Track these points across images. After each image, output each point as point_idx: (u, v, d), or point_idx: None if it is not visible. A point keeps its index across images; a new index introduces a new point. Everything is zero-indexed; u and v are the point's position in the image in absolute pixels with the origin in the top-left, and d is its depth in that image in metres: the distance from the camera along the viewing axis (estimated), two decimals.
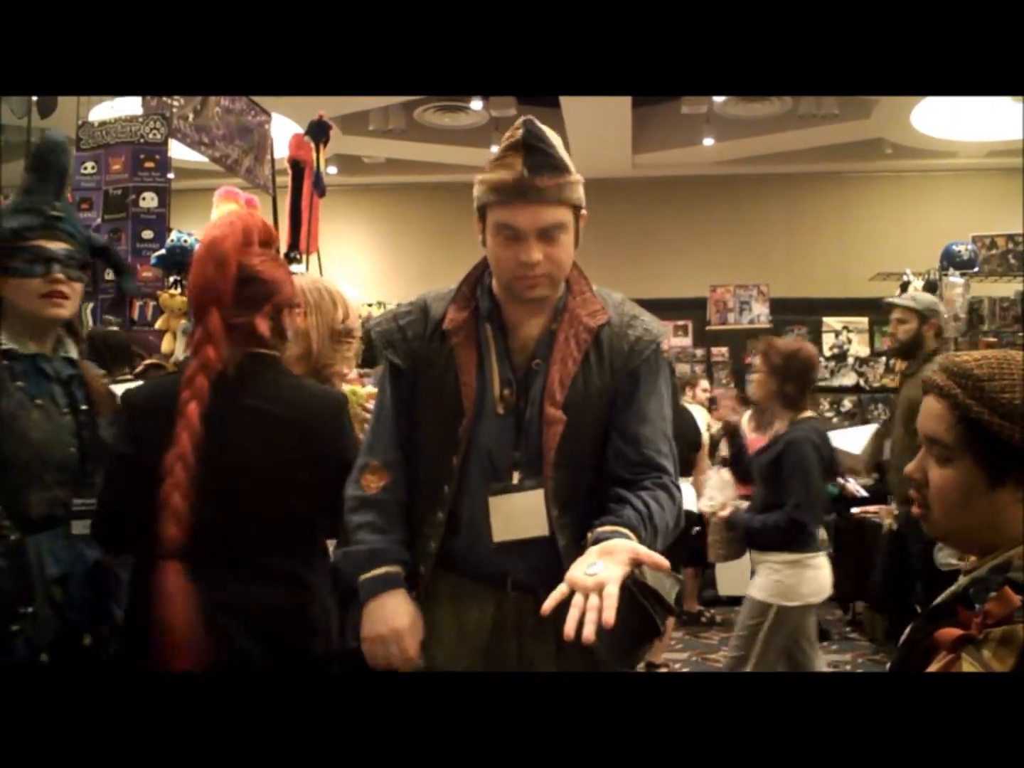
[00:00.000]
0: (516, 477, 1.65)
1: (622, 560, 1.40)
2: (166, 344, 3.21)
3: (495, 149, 1.65)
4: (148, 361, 2.92)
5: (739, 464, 3.71)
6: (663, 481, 1.64)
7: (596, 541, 1.47)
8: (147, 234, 4.11)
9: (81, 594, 1.86)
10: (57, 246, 1.90)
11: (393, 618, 1.60)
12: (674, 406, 1.86)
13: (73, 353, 2.00)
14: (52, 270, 1.88)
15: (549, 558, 1.64)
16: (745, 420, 5.98)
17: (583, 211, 1.65)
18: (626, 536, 1.49)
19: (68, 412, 1.90)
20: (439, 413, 1.68)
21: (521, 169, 1.56)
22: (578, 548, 1.61)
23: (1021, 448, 1.12)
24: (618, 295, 1.76)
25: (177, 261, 3.20)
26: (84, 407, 1.94)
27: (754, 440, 5.82)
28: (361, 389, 2.15)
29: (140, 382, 2.09)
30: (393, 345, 1.72)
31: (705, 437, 5.92)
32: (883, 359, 7.54)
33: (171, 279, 3.35)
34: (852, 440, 4.41)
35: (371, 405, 2.04)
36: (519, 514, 1.64)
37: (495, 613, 1.69)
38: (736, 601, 6.73)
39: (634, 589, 1.74)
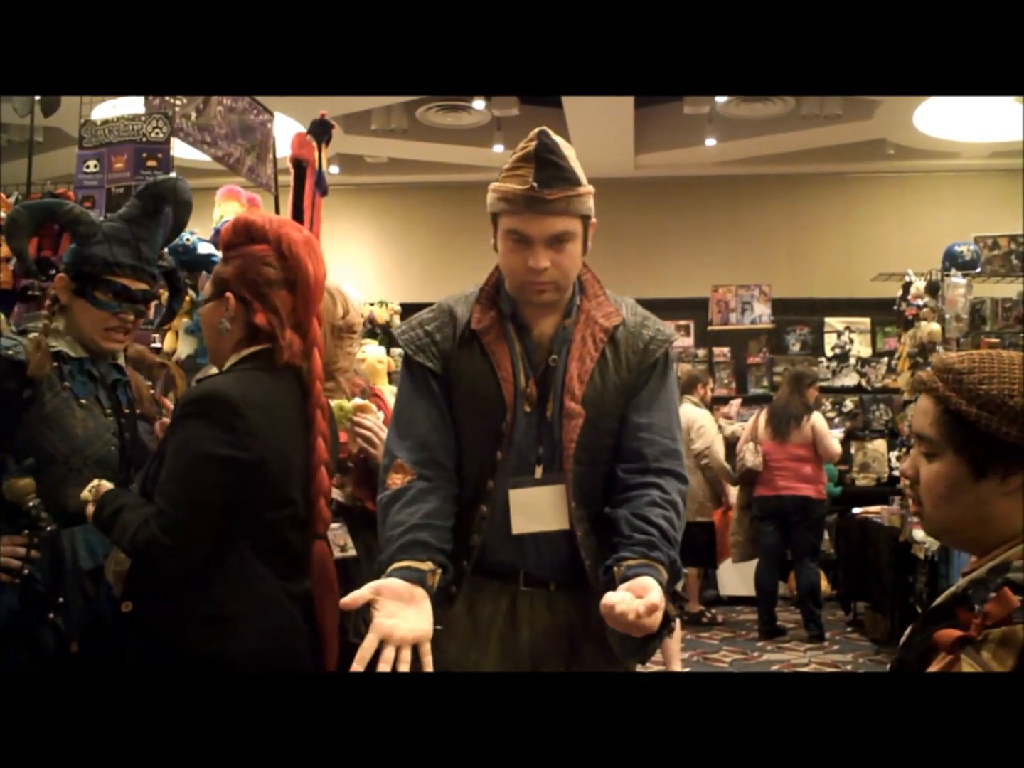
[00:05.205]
0: (539, 472, 1.70)
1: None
2: (168, 342, 3.21)
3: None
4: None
5: None
6: (673, 469, 1.70)
7: (625, 578, 1.52)
8: None
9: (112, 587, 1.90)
10: (137, 287, 1.99)
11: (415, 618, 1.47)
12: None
13: (120, 360, 2.11)
14: (124, 310, 1.97)
15: (563, 552, 1.70)
16: (761, 424, 5.94)
17: (592, 220, 1.70)
18: (654, 569, 1.54)
19: (111, 413, 1.99)
20: (480, 410, 1.71)
21: (531, 182, 1.60)
22: (593, 540, 1.68)
23: (1000, 439, 1.14)
24: (628, 299, 1.83)
25: (180, 260, 3.20)
26: (127, 410, 2.04)
27: (771, 447, 5.80)
28: (347, 403, 2.12)
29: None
30: (424, 350, 1.74)
31: (719, 439, 5.90)
32: (885, 360, 7.53)
33: None
34: None
35: (359, 419, 2.04)
36: (539, 507, 1.68)
37: (508, 609, 1.73)
38: (737, 601, 6.75)
39: None
